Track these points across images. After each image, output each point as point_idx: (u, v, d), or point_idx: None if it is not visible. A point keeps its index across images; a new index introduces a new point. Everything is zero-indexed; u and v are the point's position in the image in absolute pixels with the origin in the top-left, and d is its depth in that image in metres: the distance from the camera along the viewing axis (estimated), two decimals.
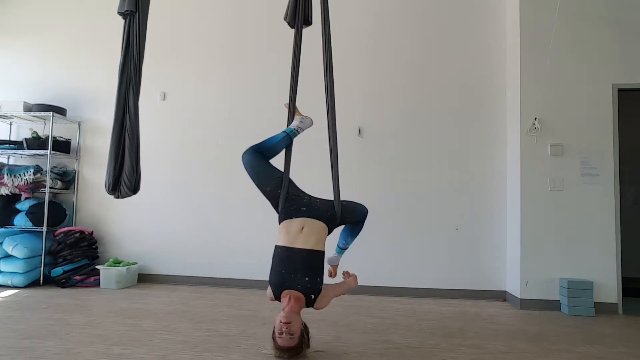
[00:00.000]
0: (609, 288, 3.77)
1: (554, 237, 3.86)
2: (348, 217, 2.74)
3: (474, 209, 4.33)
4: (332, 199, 2.72)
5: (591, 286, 3.67)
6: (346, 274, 2.87)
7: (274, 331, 2.37)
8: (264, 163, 2.75)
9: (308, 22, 3.02)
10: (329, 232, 2.63)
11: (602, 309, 3.72)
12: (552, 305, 3.80)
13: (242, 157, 2.75)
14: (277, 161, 2.80)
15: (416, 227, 4.38)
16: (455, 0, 4.51)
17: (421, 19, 4.55)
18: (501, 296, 4.20)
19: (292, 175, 2.81)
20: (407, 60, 4.53)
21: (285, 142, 2.79)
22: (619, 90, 3.91)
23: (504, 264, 4.24)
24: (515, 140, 4.06)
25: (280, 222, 2.62)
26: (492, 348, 2.73)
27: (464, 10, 4.49)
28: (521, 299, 3.85)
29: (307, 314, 2.54)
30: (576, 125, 3.91)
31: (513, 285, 4.05)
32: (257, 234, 4.49)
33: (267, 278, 2.57)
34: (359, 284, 2.86)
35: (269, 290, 2.51)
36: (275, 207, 2.67)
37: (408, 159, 4.44)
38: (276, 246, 2.56)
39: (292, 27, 2.98)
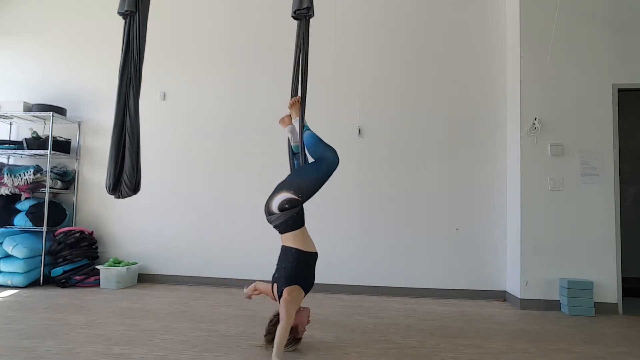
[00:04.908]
0: (609, 288, 3.77)
1: (554, 237, 3.86)
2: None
3: (474, 209, 4.33)
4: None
5: (591, 286, 3.67)
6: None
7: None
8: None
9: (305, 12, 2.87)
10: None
11: (602, 309, 3.72)
12: (552, 305, 3.80)
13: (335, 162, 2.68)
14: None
15: (416, 227, 4.38)
16: (456, 0, 4.51)
17: (421, 19, 4.54)
18: (501, 296, 4.20)
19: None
20: (407, 60, 4.53)
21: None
22: (619, 90, 3.91)
23: (504, 264, 4.24)
24: (515, 140, 4.06)
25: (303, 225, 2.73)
26: (492, 348, 2.74)
27: (464, 11, 4.49)
28: (521, 299, 3.85)
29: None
30: (576, 125, 3.91)
31: (513, 285, 4.05)
32: (257, 233, 4.49)
33: (267, 278, 2.61)
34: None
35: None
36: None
37: (408, 158, 4.44)
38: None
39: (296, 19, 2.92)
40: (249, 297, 2.97)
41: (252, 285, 2.95)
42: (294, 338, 2.55)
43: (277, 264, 2.68)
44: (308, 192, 2.61)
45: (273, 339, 2.43)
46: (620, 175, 3.89)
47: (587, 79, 3.93)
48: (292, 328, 2.49)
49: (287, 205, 2.59)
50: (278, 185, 2.68)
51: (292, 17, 2.91)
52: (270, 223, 2.70)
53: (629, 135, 4.86)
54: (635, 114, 5.09)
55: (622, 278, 3.80)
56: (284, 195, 2.59)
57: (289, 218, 2.62)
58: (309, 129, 2.81)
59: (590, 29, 3.95)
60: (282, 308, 2.44)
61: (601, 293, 3.75)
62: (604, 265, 3.79)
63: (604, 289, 3.76)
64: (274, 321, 2.55)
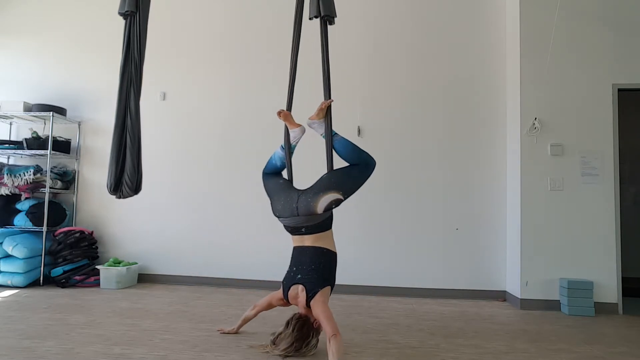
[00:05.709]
0: (609, 288, 3.77)
1: (554, 237, 3.86)
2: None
3: (474, 209, 4.33)
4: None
5: (591, 286, 3.67)
6: None
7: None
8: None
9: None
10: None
11: (602, 309, 3.72)
12: (552, 305, 3.80)
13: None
14: None
15: (416, 227, 4.37)
16: (456, 0, 4.51)
17: (421, 19, 4.54)
18: (501, 296, 4.20)
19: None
20: (407, 60, 4.52)
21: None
22: (619, 90, 3.91)
23: (504, 264, 4.24)
24: (515, 140, 4.06)
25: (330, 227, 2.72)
26: (492, 348, 2.74)
27: (465, 11, 4.49)
28: (521, 299, 3.85)
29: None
30: (576, 125, 3.91)
31: (513, 285, 4.05)
32: (257, 233, 4.50)
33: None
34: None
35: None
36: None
37: (408, 158, 4.44)
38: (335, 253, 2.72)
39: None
40: (238, 329, 2.93)
41: (242, 319, 2.92)
42: (318, 340, 2.50)
43: (298, 265, 2.60)
44: (351, 194, 2.65)
45: (301, 347, 2.39)
46: (620, 175, 3.89)
47: (587, 79, 3.93)
48: (315, 329, 2.47)
49: (333, 206, 2.58)
50: (320, 186, 2.61)
51: (314, 17, 2.87)
52: (300, 224, 2.59)
53: (629, 135, 4.86)
54: (635, 114, 5.09)
55: (622, 278, 3.80)
56: (333, 196, 2.56)
57: (327, 218, 2.64)
58: (338, 134, 2.82)
59: (590, 29, 3.95)
60: (321, 314, 2.37)
61: (601, 293, 3.75)
62: (604, 265, 3.79)
63: (604, 289, 3.76)
64: (297, 326, 2.44)
